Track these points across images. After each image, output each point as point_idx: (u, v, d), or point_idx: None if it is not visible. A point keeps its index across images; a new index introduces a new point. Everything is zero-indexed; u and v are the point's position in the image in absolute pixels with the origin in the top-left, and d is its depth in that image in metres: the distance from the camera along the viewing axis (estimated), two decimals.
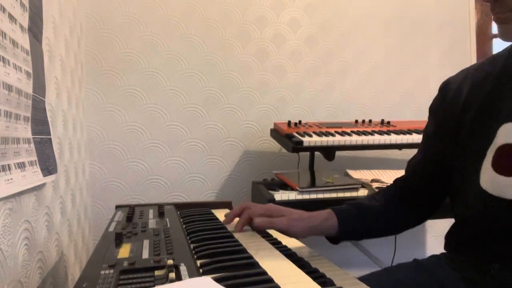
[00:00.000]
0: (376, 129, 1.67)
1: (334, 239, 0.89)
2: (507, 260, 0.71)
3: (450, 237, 0.86)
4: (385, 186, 1.48)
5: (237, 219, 0.87)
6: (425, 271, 0.84)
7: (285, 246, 0.79)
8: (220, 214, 1.00)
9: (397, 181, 0.96)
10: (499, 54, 0.81)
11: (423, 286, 0.81)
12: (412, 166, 0.94)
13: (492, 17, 0.72)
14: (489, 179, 0.72)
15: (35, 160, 0.89)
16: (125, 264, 0.56)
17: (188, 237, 0.74)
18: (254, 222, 0.81)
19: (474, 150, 0.76)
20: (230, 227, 0.84)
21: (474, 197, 0.75)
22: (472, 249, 0.79)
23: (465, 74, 0.85)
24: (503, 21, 0.70)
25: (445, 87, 0.87)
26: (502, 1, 0.69)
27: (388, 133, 1.63)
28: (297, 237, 0.83)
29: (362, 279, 0.83)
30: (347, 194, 1.44)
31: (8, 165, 0.74)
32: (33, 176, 0.87)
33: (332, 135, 1.58)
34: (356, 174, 1.66)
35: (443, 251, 0.89)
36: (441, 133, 0.86)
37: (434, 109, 0.90)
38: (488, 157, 0.72)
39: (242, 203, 0.89)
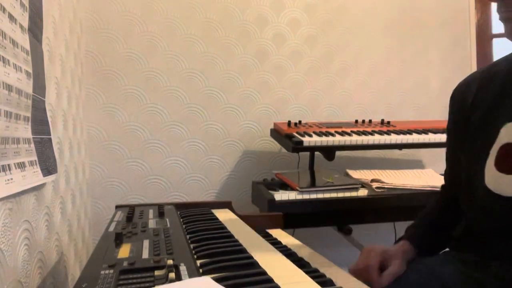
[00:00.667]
0: (376, 129, 1.67)
1: None
2: (508, 257, 0.72)
3: (455, 236, 0.87)
4: (385, 186, 1.49)
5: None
6: (427, 268, 0.85)
7: (285, 246, 0.79)
8: (220, 214, 1.00)
9: (442, 188, 1.00)
10: (508, 57, 0.81)
11: (425, 283, 0.82)
12: (445, 177, 0.97)
13: (499, 16, 0.72)
14: (492, 178, 0.72)
15: (35, 160, 0.89)
16: (125, 264, 0.56)
17: (188, 237, 0.74)
18: (381, 281, 0.81)
19: (479, 149, 0.77)
20: (230, 226, 0.84)
21: (479, 196, 0.76)
22: (474, 247, 0.79)
23: (473, 76, 0.86)
24: (509, 20, 0.70)
25: (453, 94, 0.90)
26: (507, 0, 0.69)
27: (388, 133, 1.63)
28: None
29: None
30: (347, 194, 1.44)
31: (8, 165, 0.74)
32: (33, 176, 0.87)
33: (332, 135, 1.58)
34: (356, 174, 1.66)
35: (445, 250, 0.89)
36: (455, 137, 0.88)
37: (448, 124, 0.92)
38: (492, 156, 0.73)
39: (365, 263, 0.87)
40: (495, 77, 0.79)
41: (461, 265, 0.80)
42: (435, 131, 1.67)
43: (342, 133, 1.60)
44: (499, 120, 0.74)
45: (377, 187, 1.48)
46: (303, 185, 1.45)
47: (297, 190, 1.42)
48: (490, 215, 0.75)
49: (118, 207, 1.05)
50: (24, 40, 0.85)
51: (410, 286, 0.82)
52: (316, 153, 1.73)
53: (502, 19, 0.71)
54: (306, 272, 0.56)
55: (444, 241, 0.92)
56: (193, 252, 0.65)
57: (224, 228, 0.82)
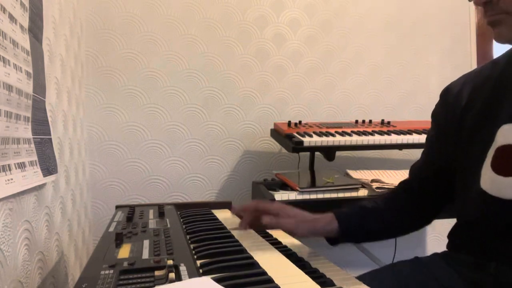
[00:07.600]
0: (376, 129, 1.67)
1: (333, 240, 0.89)
2: (505, 258, 0.72)
3: (452, 237, 0.87)
4: (385, 186, 1.49)
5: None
6: (425, 268, 0.85)
7: (285, 246, 0.79)
8: (220, 214, 1.00)
9: (401, 183, 0.97)
10: (499, 58, 0.81)
11: (422, 282, 0.82)
12: (414, 170, 0.95)
13: (486, 20, 0.71)
14: (489, 180, 0.72)
15: (36, 160, 0.89)
16: (125, 264, 0.56)
17: (188, 237, 0.74)
18: (262, 220, 0.82)
19: (474, 152, 0.77)
20: (229, 225, 0.84)
21: (475, 198, 0.76)
22: (472, 248, 0.80)
23: (466, 78, 0.86)
24: (496, 23, 0.70)
25: (446, 93, 0.89)
26: (494, 4, 0.69)
27: (388, 133, 1.63)
28: (300, 237, 0.85)
29: (364, 276, 0.83)
30: (347, 194, 1.44)
31: (9, 165, 0.74)
32: (34, 176, 0.87)
33: (332, 135, 1.58)
34: (356, 174, 1.66)
35: (444, 250, 0.89)
36: (443, 136, 0.87)
37: (436, 114, 0.91)
38: (488, 158, 0.73)
39: (254, 201, 0.91)
40: (487, 80, 0.79)
41: (459, 265, 0.81)
42: None
43: (342, 133, 1.60)
44: (494, 123, 0.74)
45: (377, 187, 1.48)
46: (303, 185, 1.45)
47: (297, 190, 1.42)
48: (486, 217, 0.75)
49: (118, 207, 1.05)
50: (24, 40, 0.85)
51: (408, 286, 0.82)
52: (316, 153, 1.73)
53: (489, 23, 0.71)
54: (306, 272, 0.57)
55: (374, 232, 0.90)
56: (193, 252, 0.65)
57: (224, 228, 0.82)
